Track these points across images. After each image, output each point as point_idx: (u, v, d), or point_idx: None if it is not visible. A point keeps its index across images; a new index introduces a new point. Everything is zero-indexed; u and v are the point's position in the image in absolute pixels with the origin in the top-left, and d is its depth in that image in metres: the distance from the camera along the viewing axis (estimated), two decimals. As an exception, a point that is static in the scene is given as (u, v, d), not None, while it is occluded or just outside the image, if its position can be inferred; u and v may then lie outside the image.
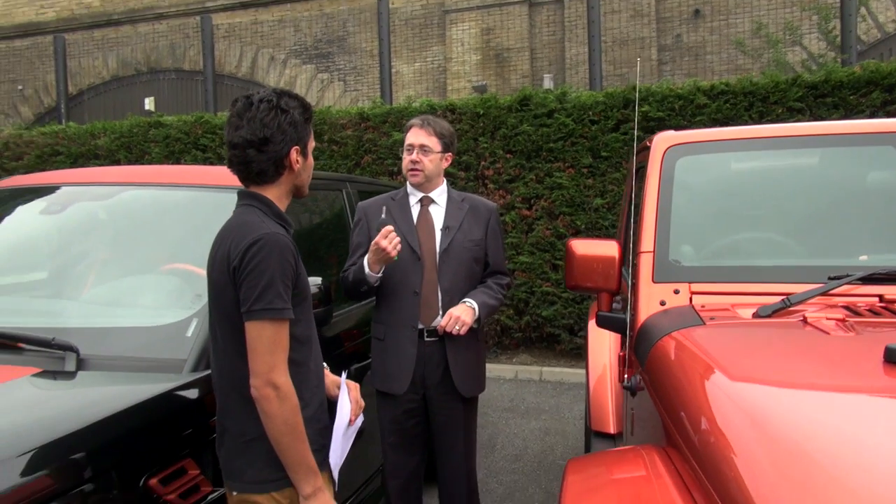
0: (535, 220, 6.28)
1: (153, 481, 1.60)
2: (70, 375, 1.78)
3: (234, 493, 1.61)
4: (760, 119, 5.75)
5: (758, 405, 1.20)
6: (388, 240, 2.28)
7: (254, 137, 1.61)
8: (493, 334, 6.47)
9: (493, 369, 6.18)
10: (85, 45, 13.89)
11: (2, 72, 14.25)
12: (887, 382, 1.23)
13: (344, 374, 1.84)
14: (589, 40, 7.06)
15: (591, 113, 6.12)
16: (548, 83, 11.93)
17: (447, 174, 6.62)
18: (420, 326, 2.46)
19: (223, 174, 1.88)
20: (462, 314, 2.38)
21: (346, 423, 1.73)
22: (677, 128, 5.66)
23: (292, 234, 1.69)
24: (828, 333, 1.49)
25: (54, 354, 1.82)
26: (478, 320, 2.46)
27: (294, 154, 1.67)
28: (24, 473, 1.34)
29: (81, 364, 1.81)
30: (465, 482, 2.59)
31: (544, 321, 6.26)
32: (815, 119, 5.61)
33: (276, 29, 13.51)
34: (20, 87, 14.14)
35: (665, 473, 1.29)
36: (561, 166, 6.21)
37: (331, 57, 13.31)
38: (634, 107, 5.96)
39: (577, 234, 6.14)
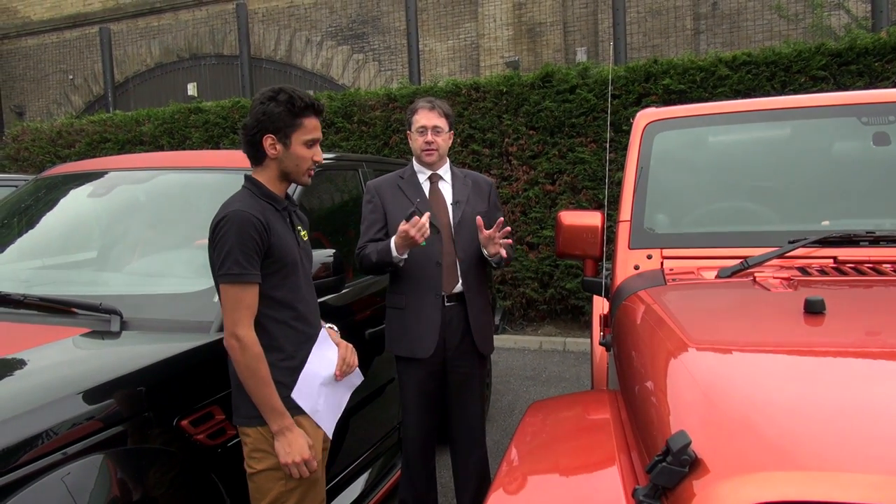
0: (559, 194, 6.42)
1: (184, 422, 1.89)
2: (115, 335, 2.08)
3: (237, 427, 1.93)
4: (783, 89, 5.75)
5: (689, 353, 1.39)
6: (417, 228, 2.41)
7: (244, 122, 1.93)
8: (518, 307, 6.67)
9: (518, 341, 6.40)
10: (129, 33, 14.42)
11: (53, 62, 14.92)
12: (803, 329, 1.41)
13: (322, 332, 2.06)
14: (613, 14, 7.09)
15: (613, 87, 6.19)
16: (581, 56, 11.88)
17: (473, 151, 6.80)
18: (443, 293, 2.65)
19: (244, 157, 2.13)
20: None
21: (328, 375, 1.95)
22: (698, 100, 5.71)
23: (288, 210, 1.94)
24: (769, 290, 1.66)
25: (101, 317, 2.12)
26: (498, 263, 2.66)
27: (268, 141, 1.91)
28: (80, 408, 1.65)
29: (124, 325, 2.11)
30: (479, 436, 2.82)
31: (568, 293, 6.43)
32: (839, 88, 5.57)
33: (312, 11, 13.75)
34: (71, 77, 14.80)
35: (609, 414, 1.49)
36: (583, 141, 6.32)
37: (365, 37, 13.50)
38: (654, 80, 6.02)
39: (600, 207, 6.27)
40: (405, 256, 2.56)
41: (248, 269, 1.80)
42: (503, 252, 2.59)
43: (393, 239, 2.53)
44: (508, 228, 2.57)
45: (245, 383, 1.82)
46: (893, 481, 0.91)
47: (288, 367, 1.87)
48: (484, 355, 2.78)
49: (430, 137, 2.69)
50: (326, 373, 1.95)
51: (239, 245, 1.78)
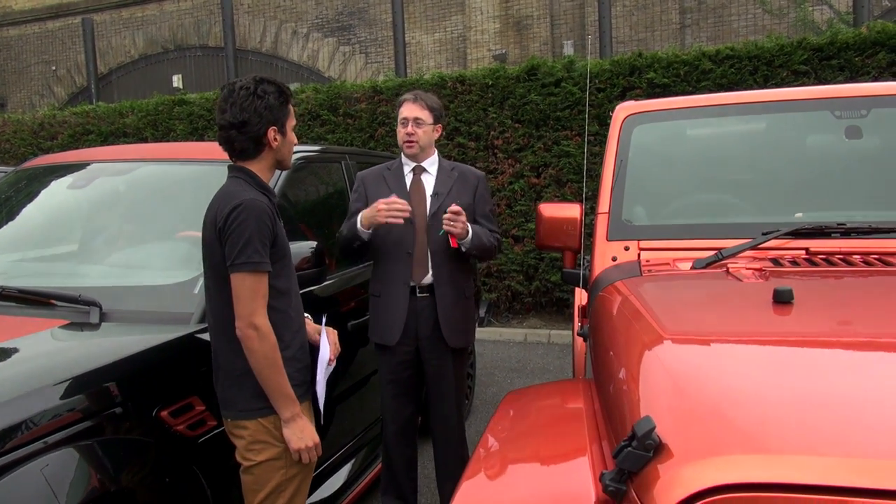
0: (544, 187, 6.45)
1: (164, 413, 1.89)
2: (94, 326, 2.07)
3: (229, 420, 1.91)
4: (765, 83, 5.79)
5: (659, 342, 1.41)
6: (388, 204, 2.48)
7: (234, 120, 1.86)
8: (504, 300, 6.70)
9: (503, 333, 6.44)
10: (113, 24, 14.26)
11: (36, 53, 14.73)
12: (771, 318, 1.44)
13: (323, 320, 2.10)
14: (599, 7, 7.12)
15: (597, 81, 6.22)
16: (568, 50, 11.91)
17: (459, 144, 6.80)
18: (412, 284, 2.69)
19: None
20: (462, 225, 2.54)
21: (327, 361, 2.01)
22: (682, 94, 5.75)
23: (275, 201, 1.94)
24: (741, 281, 1.69)
25: (80, 309, 2.12)
26: (468, 250, 2.65)
27: (272, 133, 1.91)
28: (58, 398, 1.65)
29: (104, 317, 2.11)
30: (456, 428, 2.86)
31: (553, 286, 6.47)
32: (820, 82, 5.63)
33: (298, 2, 13.65)
34: (54, 68, 14.61)
35: (582, 403, 1.52)
36: (568, 134, 6.35)
37: (352, 29, 13.43)
38: (639, 74, 6.06)
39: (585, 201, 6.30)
40: (370, 231, 2.61)
41: (265, 257, 1.80)
42: (453, 230, 2.55)
43: (363, 212, 2.61)
44: (454, 209, 2.53)
45: (260, 373, 1.81)
46: (853, 463, 0.93)
47: (286, 357, 1.87)
48: (456, 349, 2.78)
49: (410, 129, 2.72)
50: (326, 358, 2.02)
51: (258, 233, 1.78)
